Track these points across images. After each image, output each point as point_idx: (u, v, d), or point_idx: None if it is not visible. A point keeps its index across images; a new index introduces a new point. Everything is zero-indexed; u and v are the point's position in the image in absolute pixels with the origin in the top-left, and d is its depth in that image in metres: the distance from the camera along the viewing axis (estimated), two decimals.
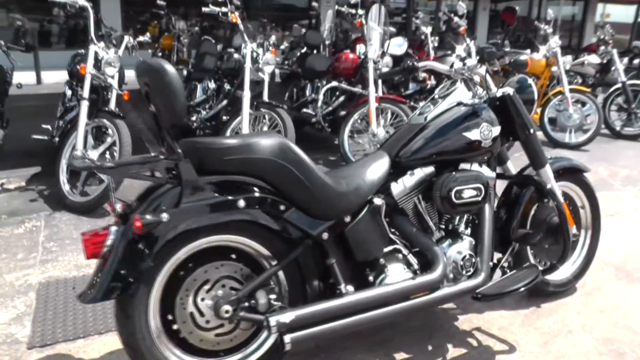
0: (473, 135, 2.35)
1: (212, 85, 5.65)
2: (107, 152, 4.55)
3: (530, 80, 2.69)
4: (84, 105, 4.49)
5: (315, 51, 6.86)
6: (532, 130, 2.54)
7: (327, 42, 7.33)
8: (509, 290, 2.39)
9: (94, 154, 4.51)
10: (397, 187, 2.29)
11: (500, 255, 2.61)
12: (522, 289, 2.42)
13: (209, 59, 5.77)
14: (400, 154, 2.34)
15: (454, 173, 2.30)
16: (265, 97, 4.88)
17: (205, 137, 2.04)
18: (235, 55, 5.21)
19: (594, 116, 6.56)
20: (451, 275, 2.35)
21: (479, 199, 2.31)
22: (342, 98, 5.71)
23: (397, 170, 2.35)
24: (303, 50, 6.96)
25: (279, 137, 2.05)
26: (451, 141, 2.34)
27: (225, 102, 5.29)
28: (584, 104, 6.61)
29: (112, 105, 4.84)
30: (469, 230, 2.46)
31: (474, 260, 2.36)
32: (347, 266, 2.18)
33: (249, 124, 4.73)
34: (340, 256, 2.16)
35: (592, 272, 3.13)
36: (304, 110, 5.89)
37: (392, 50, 3.30)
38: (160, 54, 9.67)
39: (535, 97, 2.64)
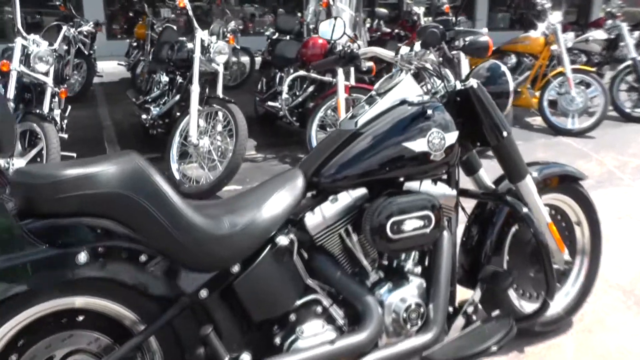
0: (418, 145, 1.74)
1: (164, 78, 5.05)
2: (38, 159, 4.00)
3: (503, 68, 2.08)
4: None
5: (288, 37, 6.22)
6: (504, 133, 1.92)
7: (311, 27, 6.68)
8: (470, 355, 1.78)
9: (20, 162, 3.95)
10: (313, 219, 1.69)
11: (468, 293, 2.01)
12: (491, 349, 1.81)
13: (166, 49, 5.16)
14: (320, 173, 1.73)
15: (389, 198, 1.69)
16: (220, 91, 4.27)
17: (38, 167, 1.56)
18: (189, 45, 4.59)
19: (600, 98, 5.90)
20: (392, 330, 1.76)
21: (427, 230, 1.71)
22: (311, 88, 5.08)
23: (316, 194, 1.78)
24: (275, 37, 6.33)
25: (132, 161, 1.47)
26: (389, 153, 1.73)
27: (177, 97, 4.69)
28: (588, 85, 5.95)
29: (45, 106, 4.27)
30: (419, 269, 1.86)
31: (422, 310, 1.77)
32: (241, 328, 1.61)
33: (203, 120, 4.14)
34: (229, 317, 1.59)
35: (593, 298, 2.51)
36: (269, 103, 5.28)
37: (322, 34, 2.69)
38: (135, 44, 9.08)
39: (511, 88, 2.03)
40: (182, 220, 1.49)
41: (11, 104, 4.09)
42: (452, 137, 1.80)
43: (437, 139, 1.76)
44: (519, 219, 2.05)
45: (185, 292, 1.53)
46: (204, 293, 1.54)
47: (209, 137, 4.13)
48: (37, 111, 4.01)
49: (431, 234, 1.75)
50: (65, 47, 5.79)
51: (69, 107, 5.54)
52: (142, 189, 1.45)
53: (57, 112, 4.72)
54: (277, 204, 1.66)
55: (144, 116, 4.89)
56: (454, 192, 1.89)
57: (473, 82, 1.90)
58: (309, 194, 1.80)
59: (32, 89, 4.32)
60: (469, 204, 2.16)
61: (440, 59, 1.89)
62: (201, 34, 4.36)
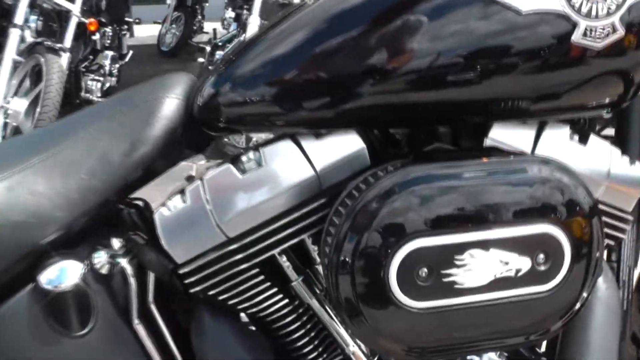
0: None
1: None
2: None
3: None
4: (13, 35, 3.27)
5: None
6: None
7: None
8: None
9: (20, 103, 3.28)
10: (174, 221, 0.82)
11: None
12: None
13: None
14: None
15: (430, 171, 0.74)
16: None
17: None
18: None
19: None
20: None
21: (548, 286, 0.75)
22: None
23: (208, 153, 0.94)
24: None
25: None
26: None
27: None
28: None
29: (67, 39, 3.56)
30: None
31: None
32: None
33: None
34: None
35: None
36: None
37: None
38: None
39: None
40: None
41: (29, 35, 3.41)
42: None
43: None
44: None
45: None
46: None
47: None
48: (47, 43, 3.29)
49: (560, 294, 0.74)
50: None
51: (130, 52, 4.89)
52: None
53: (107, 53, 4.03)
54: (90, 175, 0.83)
55: None
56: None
57: None
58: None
59: (55, 18, 3.63)
60: None
61: None
62: None
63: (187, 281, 0.79)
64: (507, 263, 0.68)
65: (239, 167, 0.77)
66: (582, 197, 0.72)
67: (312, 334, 0.87)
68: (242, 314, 0.91)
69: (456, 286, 0.67)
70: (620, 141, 0.94)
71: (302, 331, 0.86)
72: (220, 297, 0.80)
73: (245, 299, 0.81)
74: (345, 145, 0.77)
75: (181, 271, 0.79)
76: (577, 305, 0.74)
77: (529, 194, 0.69)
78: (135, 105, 0.86)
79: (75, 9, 3.71)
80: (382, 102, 0.75)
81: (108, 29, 4.60)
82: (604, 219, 0.83)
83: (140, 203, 0.90)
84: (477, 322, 0.71)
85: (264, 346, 0.90)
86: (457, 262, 0.66)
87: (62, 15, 3.81)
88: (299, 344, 0.86)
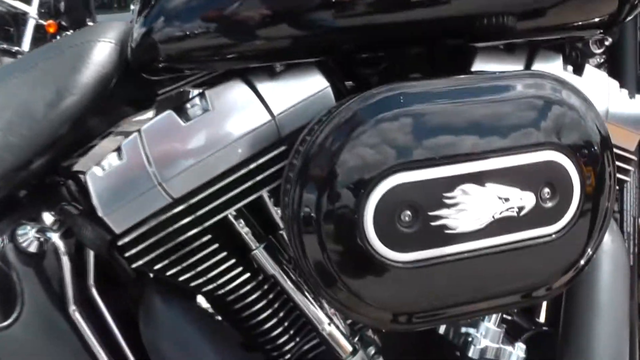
0: None
1: None
2: None
3: None
4: None
5: None
6: None
7: None
8: None
9: None
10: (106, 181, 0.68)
11: None
12: None
13: None
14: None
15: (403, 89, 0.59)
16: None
17: None
18: None
19: None
20: None
21: (552, 229, 0.62)
22: None
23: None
24: None
25: None
26: None
27: None
28: None
29: (25, 42, 3.40)
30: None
31: None
32: None
33: None
34: None
35: None
36: None
37: None
38: None
39: None
40: None
41: None
42: None
43: None
44: None
45: None
46: None
47: None
48: (3, 46, 3.14)
49: (568, 238, 0.62)
50: None
51: None
52: None
53: None
54: None
55: None
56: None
57: None
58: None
59: (11, 21, 3.48)
60: None
61: None
62: None
63: (128, 254, 0.66)
64: (507, 200, 0.56)
65: (182, 115, 0.65)
66: (591, 118, 0.61)
67: (281, 315, 0.74)
68: (201, 298, 0.80)
69: (447, 231, 0.55)
70: (615, 77, 0.85)
71: (269, 311, 0.73)
72: (169, 272, 0.67)
73: (198, 273, 0.68)
74: (306, 84, 0.65)
75: (121, 242, 0.66)
76: (586, 256, 0.63)
77: (530, 113, 0.57)
78: (61, 51, 0.73)
79: (32, 10, 3.55)
80: (345, 24, 0.63)
81: (69, 33, 4.44)
82: None
83: (75, 172, 0.78)
84: (473, 277, 0.58)
85: (225, 334, 0.77)
86: (447, 201, 0.54)
87: (19, 18, 3.65)
88: (266, 326, 0.73)
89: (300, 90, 0.64)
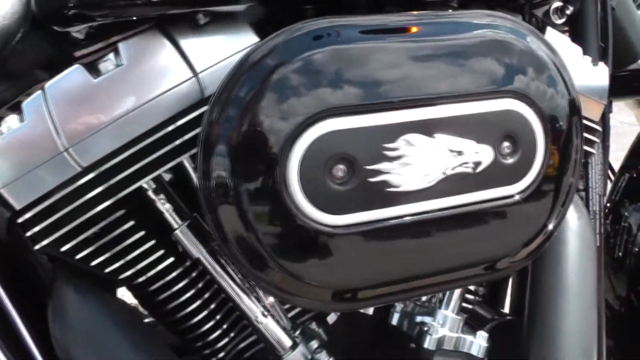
0: None
1: None
2: None
3: None
4: None
5: None
6: None
7: None
8: None
9: None
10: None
11: None
12: None
13: None
14: None
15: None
16: None
17: None
18: None
19: None
20: None
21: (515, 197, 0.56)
22: None
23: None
24: None
25: None
26: None
27: None
28: None
29: None
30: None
31: None
32: None
33: None
34: None
35: None
36: None
37: None
38: None
39: None
40: None
41: None
42: None
43: None
44: None
45: None
46: None
47: None
48: None
49: (531, 202, 0.56)
50: None
51: None
52: None
53: None
54: None
55: None
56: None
57: None
58: None
59: None
60: None
61: None
62: None
63: (30, 233, 0.57)
64: (460, 153, 0.49)
65: (92, 70, 0.57)
66: (557, 68, 0.54)
67: (212, 307, 0.65)
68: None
69: (389, 189, 0.47)
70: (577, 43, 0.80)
71: (198, 302, 0.64)
72: (78, 255, 0.58)
73: (113, 257, 0.59)
74: (233, 40, 0.57)
75: (21, 219, 0.57)
76: (552, 222, 0.56)
77: (488, 55, 0.50)
78: None
79: None
80: None
81: None
82: None
83: None
84: (424, 244, 0.51)
85: (150, 334, 0.68)
86: (388, 153, 0.46)
87: None
88: (194, 320, 0.64)
89: (227, 45, 0.57)
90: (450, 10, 0.56)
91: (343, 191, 0.46)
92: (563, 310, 0.68)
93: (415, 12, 0.54)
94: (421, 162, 0.47)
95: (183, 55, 0.56)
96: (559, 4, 0.76)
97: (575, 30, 0.81)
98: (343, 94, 0.46)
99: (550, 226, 0.56)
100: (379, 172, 0.46)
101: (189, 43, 0.57)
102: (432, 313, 0.67)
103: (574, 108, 0.54)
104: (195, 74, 0.56)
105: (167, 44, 0.57)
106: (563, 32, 0.84)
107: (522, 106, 0.51)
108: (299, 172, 0.45)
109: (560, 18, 0.76)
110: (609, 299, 0.97)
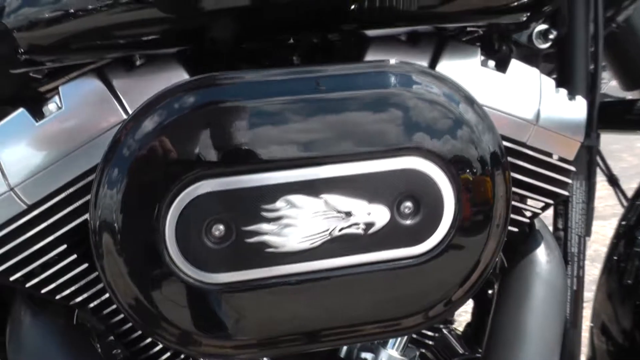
0: None
1: None
2: None
3: None
4: None
5: None
6: None
7: None
8: None
9: None
10: None
11: None
12: None
13: None
14: None
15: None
16: None
17: None
18: None
19: None
20: None
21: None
22: None
23: None
24: None
25: None
26: None
27: None
28: None
29: None
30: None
31: None
32: None
33: None
34: None
35: None
36: None
37: None
38: None
39: None
40: None
41: None
42: None
43: None
44: None
45: None
46: None
47: None
48: None
49: (440, 263, 0.54)
50: None
51: None
52: None
53: None
54: None
55: None
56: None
57: None
58: None
59: None
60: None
61: None
62: None
63: None
64: (349, 214, 0.48)
65: (36, 113, 0.60)
66: (471, 118, 0.51)
67: None
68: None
69: (268, 250, 0.47)
70: (565, 74, 0.73)
71: None
72: (28, 284, 0.63)
73: (60, 286, 0.62)
74: (163, 78, 0.58)
75: None
76: (481, 268, 0.53)
77: (379, 108, 0.48)
78: None
79: None
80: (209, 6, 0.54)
81: None
82: (537, 169, 0.63)
83: None
84: (309, 302, 0.50)
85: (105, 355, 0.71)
86: (267, 215, 0.46)
87: None
88: (143, 343, 0.67)
89: (157, 84, 0.57)
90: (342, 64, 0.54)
91: (220, 250, 0.46)
92: (518, 357, 0.65)
93: (304, 69, 0.52)
94: (304, 223, 0.47)
95: (116, 97, 0.58)
96: (543, 27, 0.70)
97: (563, 55, 0.74)
98: (217, 155, 0.46)
99: (482, 267, 0.54)
100: (256, 233, 0.46)
101: (122, 84, 0.59)
102: (375, 351, 0.66)
103: (496, 160, 0.50)
104: (128, 115, 0.57)
105: (101, 87, 0.59)
106: (548, 56, 0.78)
107: (425, 163, 0.48)
108: (175, 231, 0.46)
109: (544, 42, 0.70)
110: (613, 330, 0.90)
